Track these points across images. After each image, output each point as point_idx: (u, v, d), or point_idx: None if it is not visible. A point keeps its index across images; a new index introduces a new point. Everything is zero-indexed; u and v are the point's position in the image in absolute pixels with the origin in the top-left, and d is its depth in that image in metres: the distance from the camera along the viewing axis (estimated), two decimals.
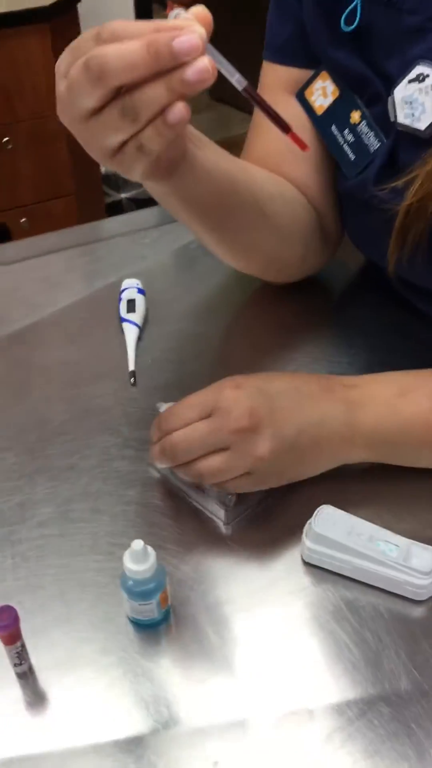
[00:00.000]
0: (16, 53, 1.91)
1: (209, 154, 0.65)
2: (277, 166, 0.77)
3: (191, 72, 0.46)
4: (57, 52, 1.92)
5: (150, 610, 0.56)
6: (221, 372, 0.79)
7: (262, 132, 0.79)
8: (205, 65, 0.46)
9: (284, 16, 0.74)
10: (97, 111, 0.49)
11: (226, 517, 0.64)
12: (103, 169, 2.50)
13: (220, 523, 0.64)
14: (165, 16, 0.50)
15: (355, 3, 0.65)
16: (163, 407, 0.65)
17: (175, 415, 0.61)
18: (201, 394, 0.62)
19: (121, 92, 0.48)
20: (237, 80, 0.50)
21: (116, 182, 2.69)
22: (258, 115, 0.80)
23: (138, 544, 0.53)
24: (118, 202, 2.67)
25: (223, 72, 0.49)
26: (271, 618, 0.58)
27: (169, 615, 0.58)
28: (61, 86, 0.49)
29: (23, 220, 2.19)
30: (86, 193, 2.32)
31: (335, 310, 0.87)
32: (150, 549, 0.54)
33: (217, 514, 0.64)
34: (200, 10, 0.48)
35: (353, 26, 0.65)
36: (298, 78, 0.75)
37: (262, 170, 0.76)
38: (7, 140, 2.03)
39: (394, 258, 0.66)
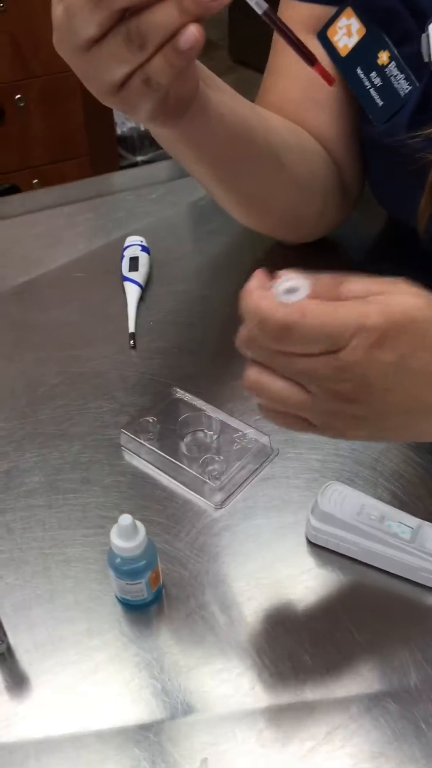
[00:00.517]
0: (35, 7, 1.84)
1: (223, 96, 0.59)
2: (294, 114, 0.71)
3: None
4: None
5: (139, 590, 0.51)
6: (227, 339, 0.74)
7: (279, 77, 0.72)
8: None
9: None
10: (99, 39, 0.43)
11: (216, 501, 0.59)
12: (118, 130, 2.43)
13: (215, 503, 0.59)
14: None
15: None
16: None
17: (286, 332, 0.41)
18: (331, 323, 0.41)
19: (125, 16, 0.42)
20: (256, 3, 0.45)
21: (132, 144, 2.62)
22: (274, 58, 0.73)
23: (126, 518, 0.49)
24: (133, 165, 2.60)
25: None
26: (270, 602, 0.53)
27: (160, 595, 0.53)
28: (57, 10, 0.44)
29: (35, 181, 2.13)
30: (101, 155, 2.25)
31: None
32: (139, 524, 0.50)
33: (207, 496, 0.59)
34: None
35: None
36: (321, 15, 0.68)
37: (280, 118, 0.70)
38: (19, 98, 1.96)
39: (427, 215, 0.60)
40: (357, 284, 0.43)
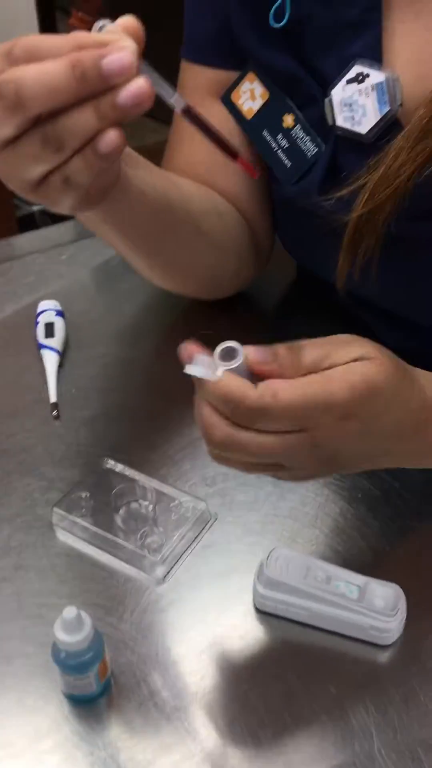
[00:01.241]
0: None
1: (143, 173, 0.59)
2: (204, 176, 0.71)
3: (125, 96, 0.40)
4: None
5: (88, 684, 0.49)
6: (153, 402, 0.74)
7: (186, 139, 0.72)
8: (141, 87, 0.40)
9: (205, 11, 0.68)
10: (15, 139, 0.42)
11: (158, 576, 0.57)
12: None
13: (157, 577, 0.57)
14: (70, 27, 0.45)
15: None
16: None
17: (260, 416, 0.44)
18: (302, 404, 0.43)
19: (42, 117, 0.41)
20: (176, 101, 0.45)
21: None
22: (180, 120, 0.73)
23: (70, 611, 0.46)
24: (30, 215, 2.56)
25: (158, 91, 0.43)
26: (224, 679, 0.52)
27: (109, 686, 0.51)
28: None
29: None
30: None
31: (273, 327, 0.82)
32: (84, 615, 0.47)
33: (148, 571, 0.57)
34: (130, 21, 0.42)
35: (283, 22, 0.60)
36: (223, 80, 0.68)
37: (192, 183, 0.70)
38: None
39: (345, 273, 0.61)
40: (315, 350, 0.45)
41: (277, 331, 0.85)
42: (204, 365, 0.44)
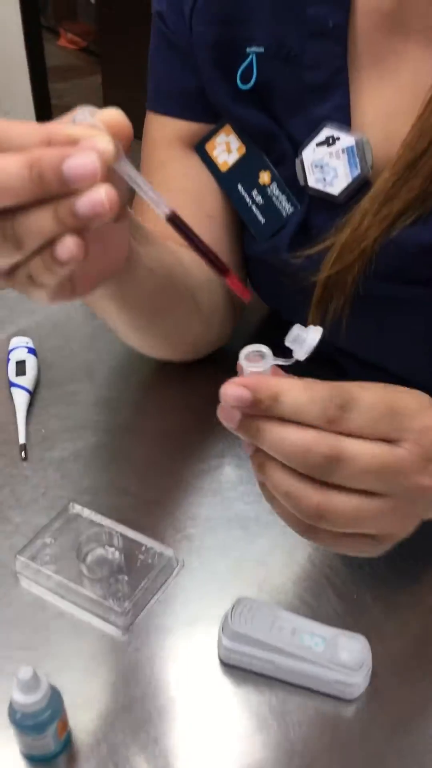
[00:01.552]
0: None
1: (153, 251, 0.56)
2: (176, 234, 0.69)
3: (83, 204, 0.36)
4: None
5: (46, 744, 0.48)
6: (128, 442, 0.73)
7: (165, 190, 0.69)
8: (100, 198, 0.36)
9: (172, 64, 0.66)
10: None
11: (122, 626, 0.56)
12: None
13: (121, 627, 0.56)
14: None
15: (249, 59, 0.60)
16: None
17: (345, 470, 0.39)
18: (392, 398, 0.40)
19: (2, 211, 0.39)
20: (160, 207, 0.40)
21: None
22: (159, 171, 0.70)
23: (26, 672, 0.45)
24: None
25: (140, 194, 0.40)
26: (190, 736, 0.51)
27: (69, 743, 0.50)
28: None
29: None
30: None
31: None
32: (41, 674, 0.46)
33: (113, 621, 0.56)
34: (113, 115, 0.38)
35: (250, 84, 0.60)
36: (194, 130, 0.67)
37: (185, 252, 0.65)
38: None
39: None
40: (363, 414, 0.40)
41: None
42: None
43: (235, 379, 0.41)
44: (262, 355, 0.42)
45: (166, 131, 0.68)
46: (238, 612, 0.54)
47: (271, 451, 0.40)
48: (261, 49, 0.59)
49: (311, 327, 0.42)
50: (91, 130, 0.38)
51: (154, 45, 0.67)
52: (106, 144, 0.37)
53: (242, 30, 0.60)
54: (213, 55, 0.62)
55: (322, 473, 0.39)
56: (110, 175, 0.38)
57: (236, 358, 0.80)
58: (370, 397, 0.40)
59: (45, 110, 2.57)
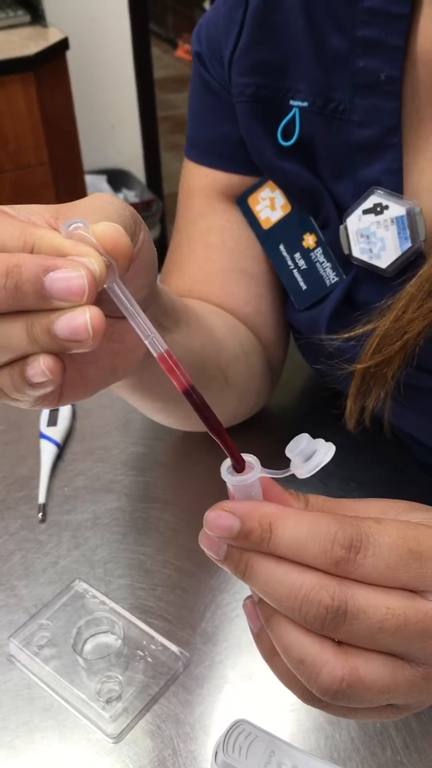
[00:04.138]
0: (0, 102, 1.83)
1: (180, 338, 0.50)
2: (221, 286, 0.63)
3: (62, 326, 0.31)
4: (42, 101, 1.84)
5: None
6: (150, 511, 0.67)
7: (200, 245, 0.64)
8: (83, 323, 0.31)
9: (213, 108, 0.60)
10: None
11: (110, 734, 0.51)
12: None
13: (108, 735, 0.51)
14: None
15: (292, 113, 0.53)
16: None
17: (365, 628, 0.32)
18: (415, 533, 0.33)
19: None
20: (151, 342, 0.33)
21: None
22: (191, 227, 0.64)
23: None
24: None
25: (132, 324, 0.33)
26: None
27: None
28: None
29: None
30: None
31: (286, 431, 0.74)
32: None
33: (102, 726, 0.51)
34: (110, 232, 0.32)
35: (292, 141, 0.53)
36: (235, 183, 0.61)
37: (222, 321, 0.61)
38: None
39: (354, 420, 0.53)
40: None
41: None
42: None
43: (223, 503, 0.34)
44: (249, 465, 0.35)
45: (203, 181, 0.62)
46: (232, 739, 0.47)
47: (264, 595, 0.33)
48: (305, 104, 0.52)
49: (322, 442, 0.35)
50: (81, 245, 0.32)
51: (193, 88, 0.61)
52: (97, 264, 0.31)
53: (285, 81, 0.53)
54: (253, 107, 0.55)
55: (323, 628, 0.32)
56: (102, 295, 0.32)
57: (283, 418, 0.70)
58: (389, 535, 0.32)
59: (151, 124, 2.57)
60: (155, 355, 0.33)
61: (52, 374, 0.32)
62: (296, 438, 0.35)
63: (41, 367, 0.32)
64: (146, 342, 0.33)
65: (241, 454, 0.35)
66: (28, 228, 0.32)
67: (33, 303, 0.31)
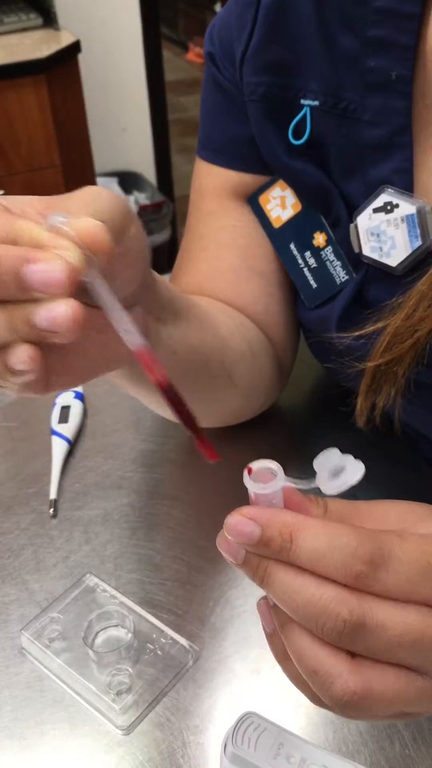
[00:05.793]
0: (12, 105, 1.85)
1: (176, 332, 0.51)
2: (231, 285, 0.63)
3: (41, 317, 0.32)
4: (54, 104, 1.86)
5: None
6: (160, 508, 0.68)
7: (211, 244, 0.64)
8: (62, 313, 0.31)
9: (224, 108, 0.60)
10: None
11: (120, 725, 0.51)
12: None
13: (119, 727, 0.51)
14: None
15: (303, 112, 0.53)
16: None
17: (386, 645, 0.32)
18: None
19: None
20: (129, 340, 0.34)
21: None
22: (201, 225, 0.65)
23: None
24: None
25: (113, 323, 0.34)
26: None
27: None
28: None
29: None
30: None
31: (301, 435, 0.74)
32: None
33: (112, 718, 0.51)
34: (90, 227, 0.33)
35: (303, 139, 0.54)
36: (246, 182, 0.61)
37: (226, 317, 0.61)
38: (2, 194, 1.96)
39: (364, 417, 0.54)
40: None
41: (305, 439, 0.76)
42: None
43: (243, 509, 0.34)
44: (272, 473, 0.35)
45: (215, 181, 0.63)
46: (241, 731, 0.47)
47: (280, 602, 0.33)
48: (316, 103, 0.53)
49: (351, 459, 0.35)
50: (59, 238, 0.32)
51: (205, 88, 0.62)
52: (75, 256, 0.32)
53: (296, 81, 0.54)
54: (264, 107, 0.56)
55: (339, 640, 0.32)
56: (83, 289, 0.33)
57: (293, 416, 0.69)
58: (410, 552, 0.32)
59: (161, 127, 2.58)
60: (132, 347, 0.34)
61: (32, 362, 0.33)
62: (326, 451, 0.35)
63: (21, 356, 0.33)
64: (122, 336, 0.34)
65: (265, 461, 0.35)
66: (10, 219, 0.33)
67: (14, 293, 0.32)
